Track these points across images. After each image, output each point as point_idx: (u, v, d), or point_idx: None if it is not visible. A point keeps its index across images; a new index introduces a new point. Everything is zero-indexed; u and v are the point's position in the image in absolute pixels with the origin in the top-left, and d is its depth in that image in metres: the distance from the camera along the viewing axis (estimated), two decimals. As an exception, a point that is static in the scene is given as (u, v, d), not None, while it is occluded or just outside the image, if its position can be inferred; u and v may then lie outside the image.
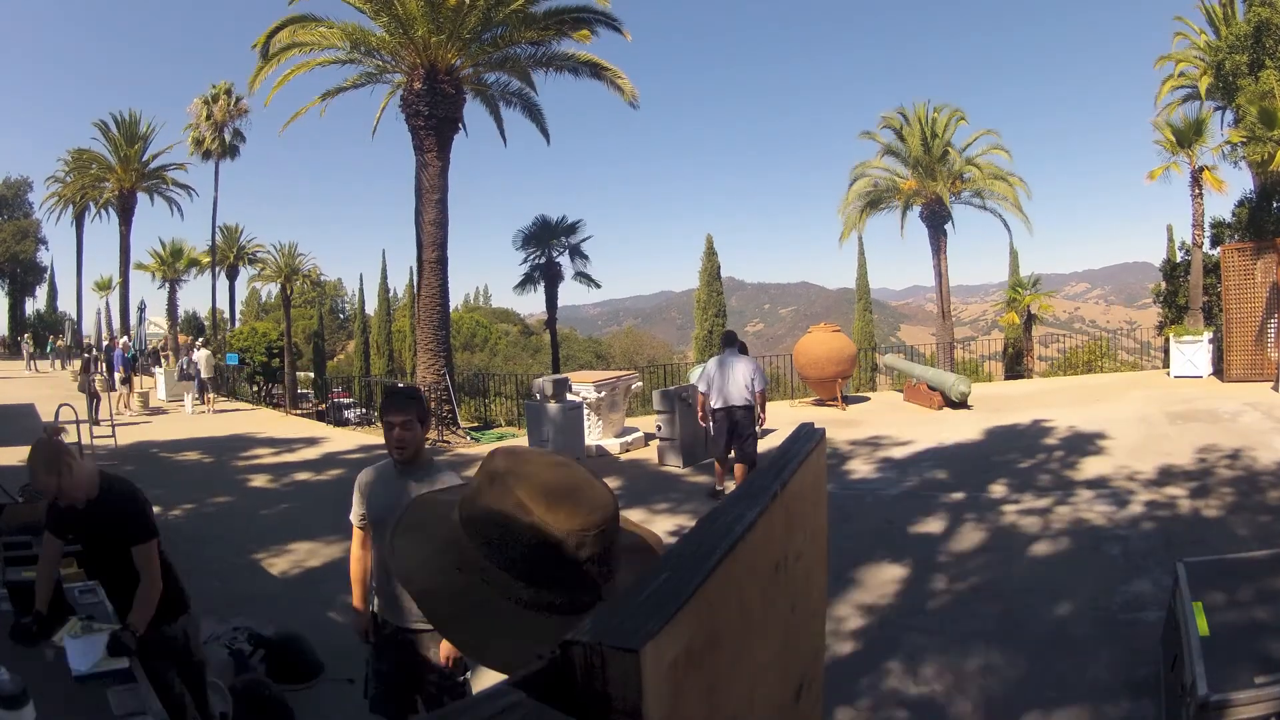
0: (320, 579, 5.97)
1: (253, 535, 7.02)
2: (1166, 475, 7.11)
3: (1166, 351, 14.73)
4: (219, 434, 12.90)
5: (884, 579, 5.23)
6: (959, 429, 10.20)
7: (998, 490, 7.16)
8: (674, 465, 9.20)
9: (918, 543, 5.95)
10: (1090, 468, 7.65)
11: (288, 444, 11.71)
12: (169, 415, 15.70)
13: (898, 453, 9.08)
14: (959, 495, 7.09)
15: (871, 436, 10.10)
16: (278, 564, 6.27)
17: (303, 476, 8.58)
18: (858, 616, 4.67)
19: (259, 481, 8.64)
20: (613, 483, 8.62)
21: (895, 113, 24.19)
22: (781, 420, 12.26)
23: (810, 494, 1.23)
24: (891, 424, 11.02)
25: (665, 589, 0.65)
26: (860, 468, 8.54)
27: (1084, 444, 8.64)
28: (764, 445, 10.16)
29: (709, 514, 0.86)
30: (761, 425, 7.51)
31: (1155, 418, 9.81)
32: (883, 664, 4.07)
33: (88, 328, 38.80)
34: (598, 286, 24.50)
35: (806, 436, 1.23)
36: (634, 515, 6.69)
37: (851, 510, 6.88)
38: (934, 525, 6.31)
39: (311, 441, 11.88)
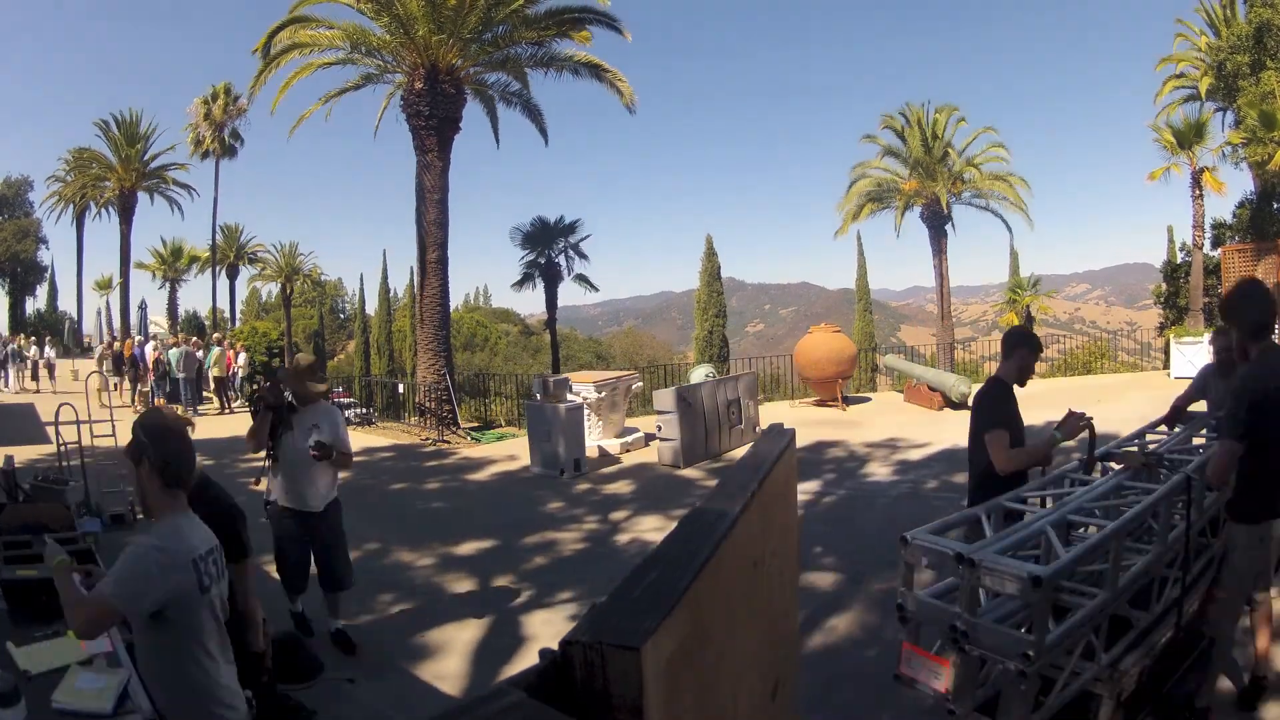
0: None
1: (252, 539, 6.99)
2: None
3: (1167, 353, 14.74)
4: (219, 435, 12.89)
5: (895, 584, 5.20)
6: (963, 430, 10.17)
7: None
8: (678, 467, 9.19)
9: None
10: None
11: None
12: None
13: (912, 455, 9.08)
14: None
15: (883, 439, 10.09)
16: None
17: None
18: (871, 621, 4.66)
19: (258, 485, 8.63)
20: (623, 486, 8.64)
21: (896, 114, 24.25)
22: (782, 420, 12.23)
23: (783, 493, 1.24)
24: (894, 425, 11.01)
25: (658, 586, 0.65)
26: (875, 470, 8.55)
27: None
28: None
29: (690, 513, 0.86)
30: None
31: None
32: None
33: (88, 327, 38.85)
34: (595, 290, 24.52)
35: (778, 436, 1.24)
36: (652, 521, 6.61)
37: (861, 512, 6.88)
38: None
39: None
